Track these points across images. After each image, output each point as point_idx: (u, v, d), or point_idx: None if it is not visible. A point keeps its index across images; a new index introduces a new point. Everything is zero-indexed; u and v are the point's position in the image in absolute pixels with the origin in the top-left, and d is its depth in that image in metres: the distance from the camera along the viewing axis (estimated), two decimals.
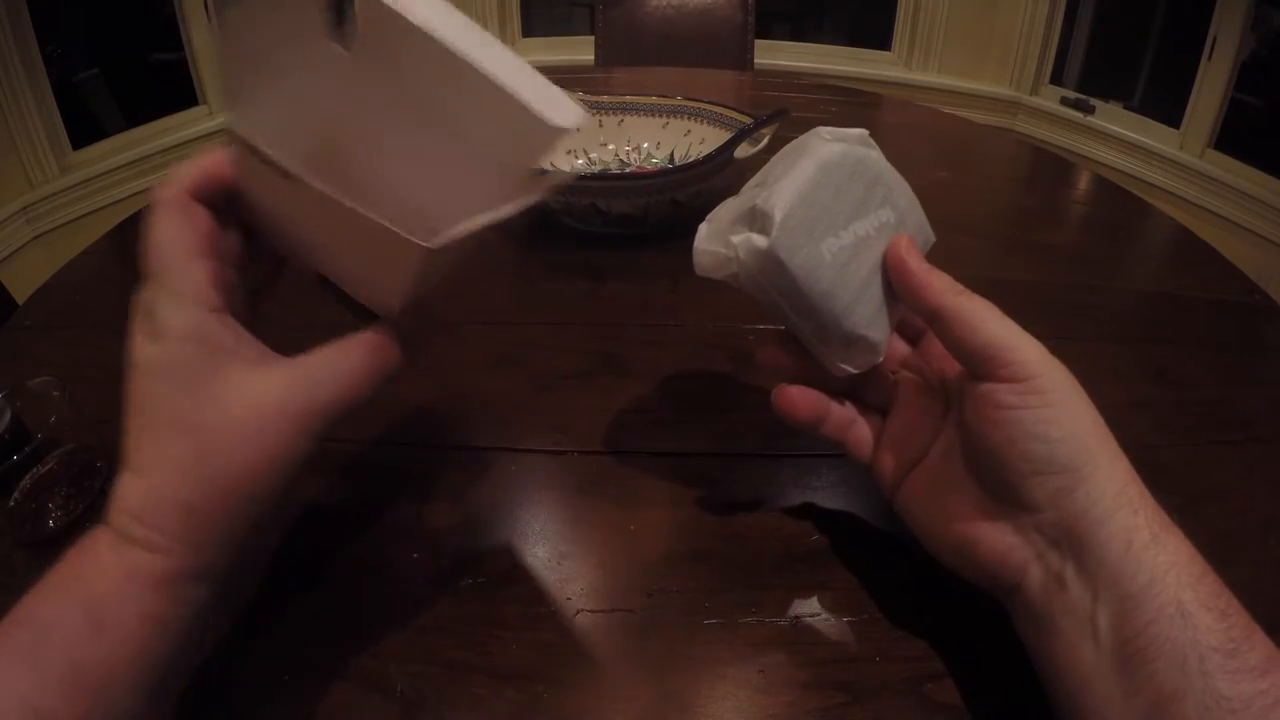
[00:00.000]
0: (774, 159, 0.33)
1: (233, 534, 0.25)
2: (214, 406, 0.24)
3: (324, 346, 0.26)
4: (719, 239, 0.31)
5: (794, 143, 0.32)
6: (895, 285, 0.31)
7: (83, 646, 0.22)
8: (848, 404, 0.35)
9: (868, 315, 0.31)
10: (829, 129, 0.31)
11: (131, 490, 0.24)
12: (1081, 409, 0.27)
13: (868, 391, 0.35)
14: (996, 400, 0.27)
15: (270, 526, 0.29)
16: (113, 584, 0.23)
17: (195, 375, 0.24)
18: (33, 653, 0.22)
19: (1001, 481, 0.28)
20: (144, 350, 0.25)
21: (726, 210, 0.33)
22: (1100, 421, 0.27)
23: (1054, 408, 0.27)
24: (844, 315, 0.30)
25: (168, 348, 0.24)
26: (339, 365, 0.26)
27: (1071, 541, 0.26)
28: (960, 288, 0.30)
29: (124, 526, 0.24)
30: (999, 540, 0.28)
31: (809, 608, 0.33)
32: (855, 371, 0.32)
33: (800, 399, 0.33)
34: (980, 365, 0.28)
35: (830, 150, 0.30)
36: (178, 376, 0.24)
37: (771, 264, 0.29)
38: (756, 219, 0.29)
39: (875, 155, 0.31)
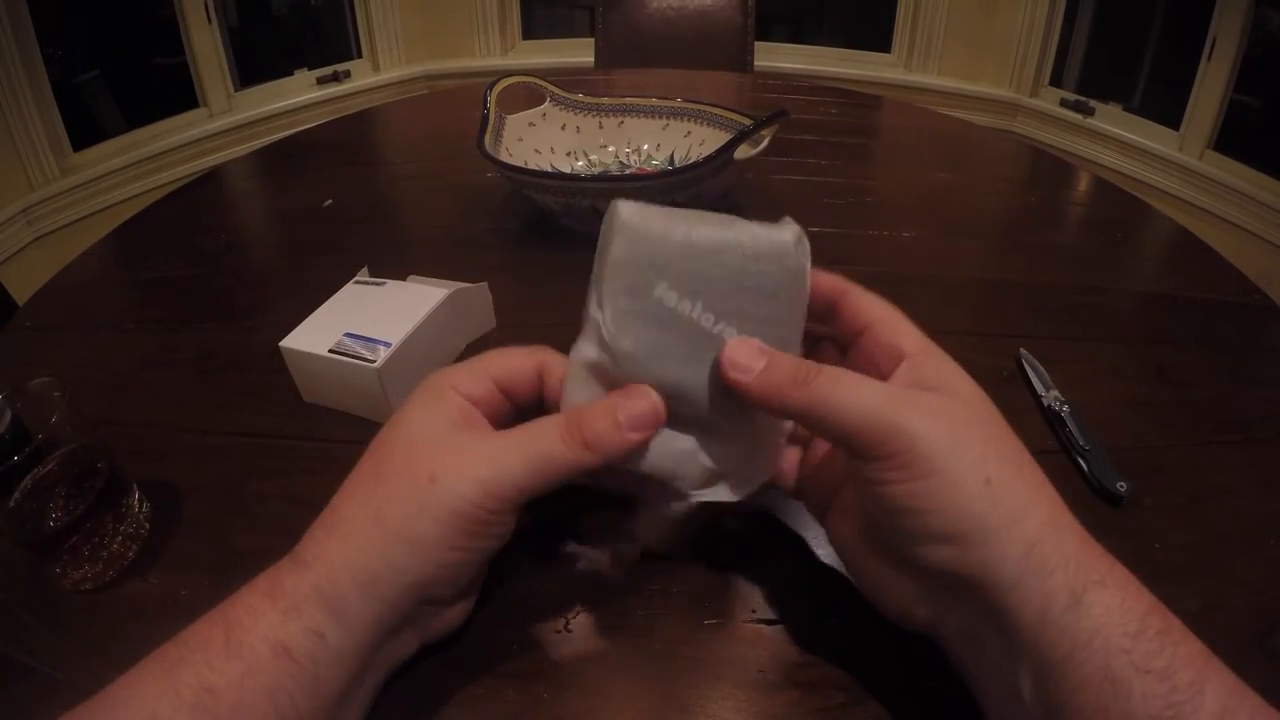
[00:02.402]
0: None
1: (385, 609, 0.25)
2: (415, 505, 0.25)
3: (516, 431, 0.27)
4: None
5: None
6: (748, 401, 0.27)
7: (216, 668, 0.22)
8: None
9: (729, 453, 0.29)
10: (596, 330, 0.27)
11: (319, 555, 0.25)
12: (961, 474, 0.24)
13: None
14: (863, 475, 0.26)
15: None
16: (249, 604, 0.24)
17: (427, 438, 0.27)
18: (174, 670, 0.22)
19: (894, 545, 0.26)
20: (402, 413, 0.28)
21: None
22: (999, 479, 0.24)
23: (926, 479, 0.24)
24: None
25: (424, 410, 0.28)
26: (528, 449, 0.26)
27: (981, 605, 0.24)
28: (803, 375, 0.26)
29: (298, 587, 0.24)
30: (907, 593, 0.27)
31: (809, 608, 0.33)
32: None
33: None
34: (846, 450, 0.26)
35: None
36: (416, 434, 0.27)
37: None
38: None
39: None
